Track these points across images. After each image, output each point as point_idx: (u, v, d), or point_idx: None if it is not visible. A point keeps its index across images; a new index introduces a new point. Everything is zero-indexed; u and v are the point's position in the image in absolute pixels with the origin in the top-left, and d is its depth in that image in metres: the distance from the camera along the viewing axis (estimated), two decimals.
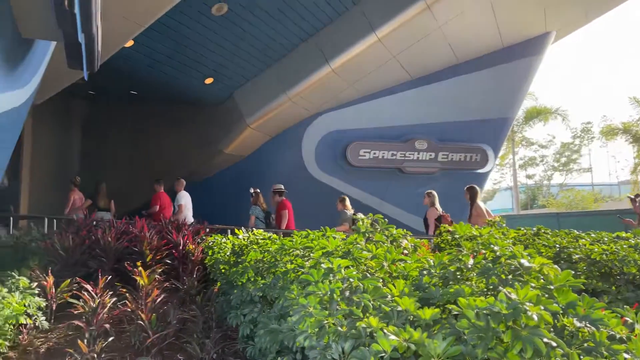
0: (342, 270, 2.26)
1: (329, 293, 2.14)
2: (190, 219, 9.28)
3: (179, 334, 4.02)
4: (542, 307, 1.66)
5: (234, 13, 9.61)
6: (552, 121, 36.94)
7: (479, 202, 8.89)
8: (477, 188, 9.06)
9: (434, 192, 9.53)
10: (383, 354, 1.78)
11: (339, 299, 2.14)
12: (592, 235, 4.55)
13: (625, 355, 1.74)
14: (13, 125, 6.05)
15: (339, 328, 2.02)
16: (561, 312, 1.83)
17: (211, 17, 9.45)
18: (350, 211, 9.73)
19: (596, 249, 3.91)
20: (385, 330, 1.85)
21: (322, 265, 2.34)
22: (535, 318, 1.60)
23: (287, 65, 11.91)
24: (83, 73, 5.67)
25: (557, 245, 4.29)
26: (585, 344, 1.86)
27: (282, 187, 9.98)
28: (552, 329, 1.73)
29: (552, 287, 2.02)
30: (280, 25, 10.56)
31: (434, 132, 14.07)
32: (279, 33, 10.84)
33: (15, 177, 12.71)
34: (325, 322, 2.05)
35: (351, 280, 2.22)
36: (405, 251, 3.38)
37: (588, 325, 1.86)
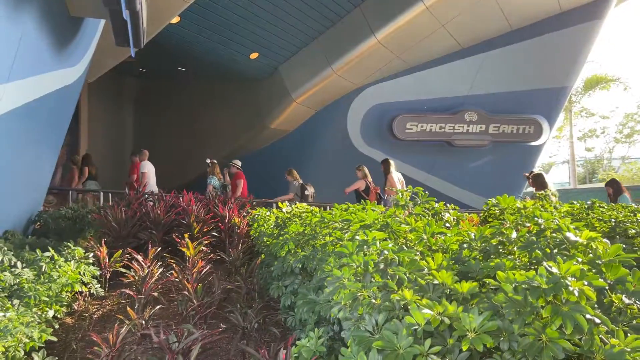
0: (377, 243, 2.23)
1: (363, 265, 2.11)
2: (153, 187, 9.94)
3: (223, 303, 4.13)
4: (586, 283, 1.56)
5: None
6: (615, 90, 34.82)
7: (393, 173, 9.55)
8: (391, 160, 9.75)
9: (364, 167, 10.15)
10: (416, 327, 1.74)
11: (373, 272, 2.11)
12: None
13: None
14: (67, 103, 6.30)
15: (373, 300, 1.99)
16: (607, 288, 1.73)
17: None
18: (298, 181, 10.30)
19: None
20: (418, 304, 1.81)
21: (357, 237, 2.31)
22: (577, 294, 1.51)
23: (331, 38, 11.75)
24: (130, 50, 5.81)
25: (613, 220, 4.06)
26: (634, 322, 1.76)
27: (239, 162, 10.60)
28: (596, 306, 1.64)
29: (600, 262, 1.91)
30: None
31: (485, 104, 13.59)
32: (322, 4, 10.67)
33: (74, 153, 13.34)
34: (359, 294, 2.03)
35: (386, 252, 2.18)
36: (448, 225, 3.29)
37: (638, 302, 1.76)
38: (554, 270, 1.61)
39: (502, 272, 1.83)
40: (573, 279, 1.58)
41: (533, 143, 14.23)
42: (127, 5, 4.36)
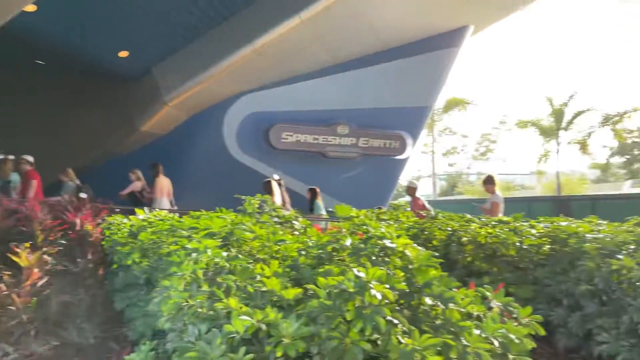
0: (208, 251, 2.20)
1: (190, 274, 2.07)
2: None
3: (62, 318, 3.79)
4: (387, 286, 1.68)
5: None
6: (472, 112, 39.11)
7: (161, 177, 10.41)
8: (160, 166, 10.45)
9: (138, 171, 10.85)
10: (235, 335, 1.74)
11: (202, 281, 2.07)
12: (483, 219, 4.76)
13: (476, 331, 1.80)
14: None
15: (199, 310, 1.95)
16: (406, 290, 1.87)
17: None
18: (74, 182, 10.29)
19: (482, 232, 4.12)
20: (239, 311, 1.80)
21: (188, 245, 2.26)
22: (379, 296, 1.61)
23: (209, 42, 11.54)
24: None
25: (449, 229, 4.46)
26: (437, 321, 1.93)
27: (31, 158, 9.42)
28: (397, 308, 1.77)
29: (411, 267, 2.07)
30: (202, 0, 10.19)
31: (355, 118, 14.22)
32: (200, 9, 10.45)
33: None
34: (185, 304, 1.98)
35: (218, 260, 2.16)
36: (297, 232, 3.36)
37: (440, 303, 1.93)
38: (362, 274, 1.71)
39: (322, 278, 1.90)
40: (378, 282, 1.69)
41: (398, 157, 15.19)
42: None
